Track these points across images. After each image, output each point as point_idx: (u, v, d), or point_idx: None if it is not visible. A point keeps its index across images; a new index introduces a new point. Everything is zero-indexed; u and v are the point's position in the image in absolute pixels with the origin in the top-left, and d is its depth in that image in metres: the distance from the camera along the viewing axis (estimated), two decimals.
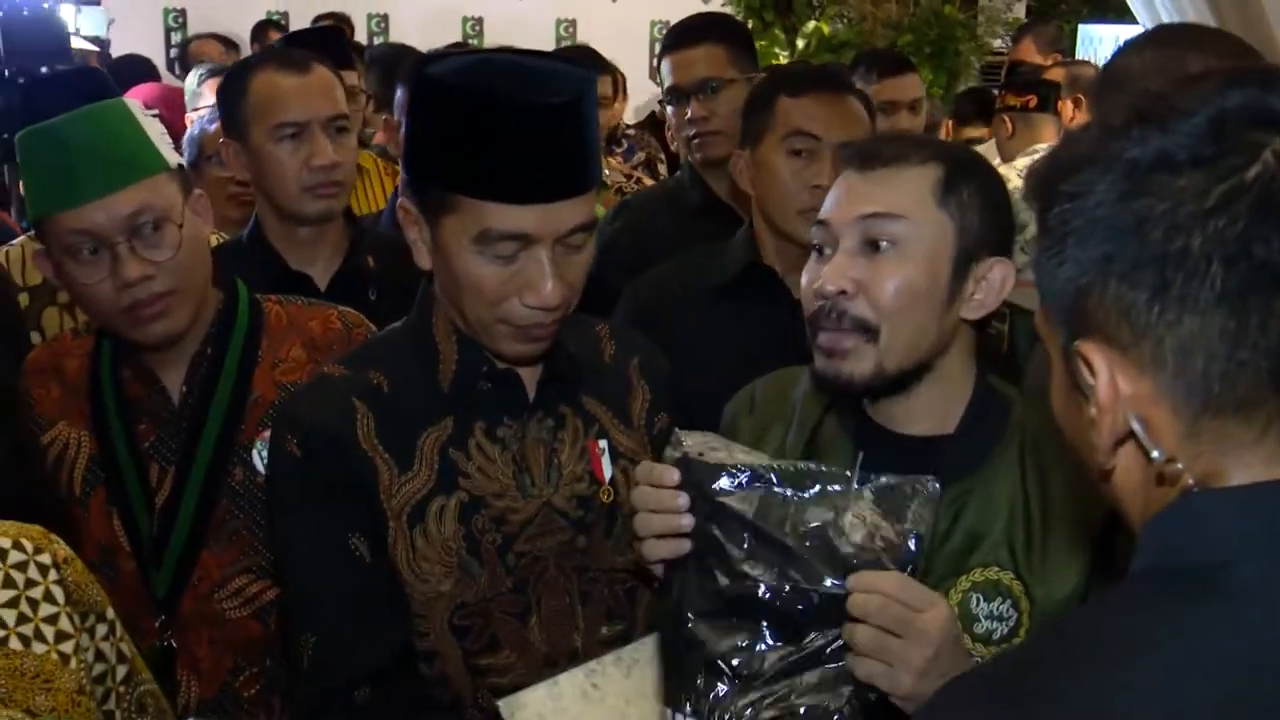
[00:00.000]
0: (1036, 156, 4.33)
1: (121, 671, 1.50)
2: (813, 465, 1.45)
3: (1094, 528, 1.53)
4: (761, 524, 1.39)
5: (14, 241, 2.70)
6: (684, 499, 1.41)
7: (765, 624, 1.41)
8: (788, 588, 1.39)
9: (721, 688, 1.42)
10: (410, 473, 1.62)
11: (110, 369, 2.00)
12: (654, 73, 8.67)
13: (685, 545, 1.42)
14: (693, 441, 1.48)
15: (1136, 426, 0.93)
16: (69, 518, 1.96)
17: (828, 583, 1.37)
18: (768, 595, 1.39)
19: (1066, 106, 4.58)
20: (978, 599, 1.55)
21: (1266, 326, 0.88)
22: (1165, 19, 3.27)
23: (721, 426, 1.81)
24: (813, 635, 1.40)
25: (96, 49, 5.25)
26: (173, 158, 1.95)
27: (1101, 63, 5.02)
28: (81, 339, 2.07)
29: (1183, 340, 0.90)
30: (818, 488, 1.40)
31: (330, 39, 3.60)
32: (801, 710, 1.40)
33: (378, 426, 1.63)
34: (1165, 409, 0.92)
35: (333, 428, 1.62)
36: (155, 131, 1.93)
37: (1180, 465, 0.91)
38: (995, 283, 1.60)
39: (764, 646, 1.41)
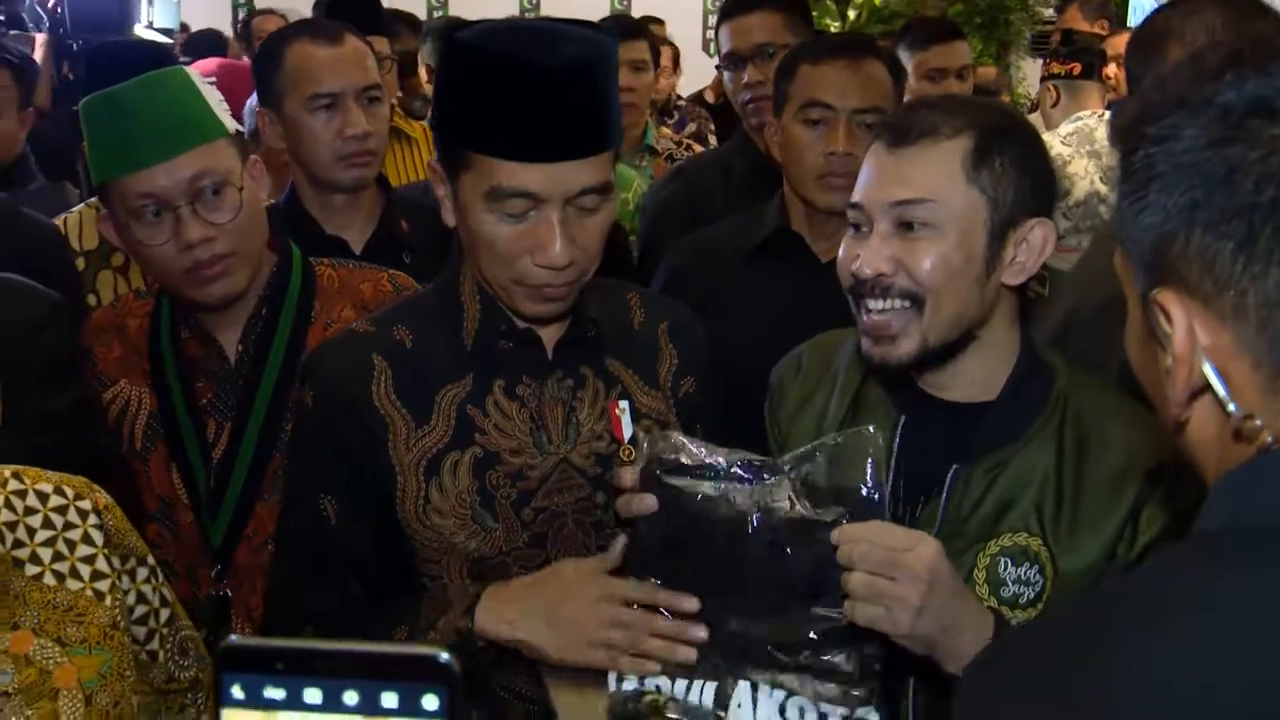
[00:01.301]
0: (1081, 123, 4.28)
1: (164, 615, 1.52)
2: (756, 457, 1.49)
3: (1124, 505, 1.52)
4: (724, 504, 1.44)
5: (72, 209, 2.72)
6: (651, 500, 1.47)
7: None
8: (758, 563, 1.43)
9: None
10: (427, 426, 1.62)
11: (170, 329, 2.02)
12: (706, 45, 8.64)
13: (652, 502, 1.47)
14: (667, 445, 1.50)
15: (1214, 379, 0.89)
16: (130, 471, 1.99)
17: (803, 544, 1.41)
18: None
19: (1114, 71, 4.48)
20: (1005, 563, 1.53)
21: None
22: None
23: (770, 389, 1.81)
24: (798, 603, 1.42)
25: (169, 40, 5.28)
26: (231, 124, 1.95)
27: None
28: (142, 300, 2.08)
29: (1268, 294, 0.85)
30: (767, 475, 1.44)
31: (363, 3, 3.60)
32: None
33: (396, 382, 1.63)
34: (1246, 364, 0.88)
35: (344, 383, 1.63)
36: (214, 99, 1.93)
37: (1259, 422, 0.87)
38: (1036, 244, 1.57)
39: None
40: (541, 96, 1.47)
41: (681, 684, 1.46)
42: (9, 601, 1.39)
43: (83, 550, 1.45)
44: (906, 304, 1.54)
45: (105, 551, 1.47)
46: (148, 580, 1.51)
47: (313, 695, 0.56)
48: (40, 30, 4.34)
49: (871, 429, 1.44)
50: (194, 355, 2.01)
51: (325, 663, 0.56)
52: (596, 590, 1.50)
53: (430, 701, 0.55)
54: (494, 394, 1.64)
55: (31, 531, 1.43)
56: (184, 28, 5.69)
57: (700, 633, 1.45)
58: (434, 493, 1.61)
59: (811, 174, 2.37)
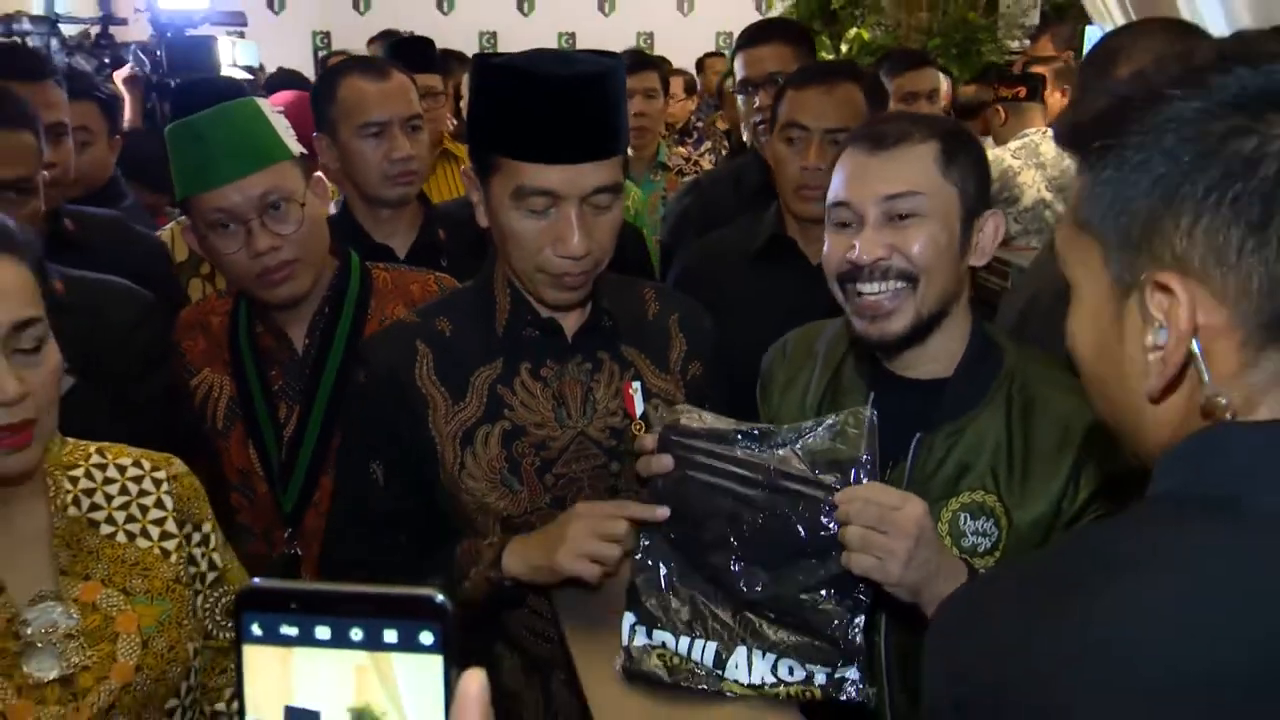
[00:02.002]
0: (1028, 139, 4.28)
1: (210, 577, 1.52)
2: (761, 426, 1.48)
3: (1066, 465, 1.51)
4: (735, 466, 1.44)
5: (165, 227, 2.74)
6: (668, 460, 1.46)
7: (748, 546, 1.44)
8: (761, 518, 1.42)
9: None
10: (463, 403, 1.63)
11: (247, 324, 2.03)
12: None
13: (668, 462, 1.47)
14: (683, 414, 1.50)
15: (1199, 357, 0.83)
16: (213, 448, 2.01)
17: (802, 506, 1.40)
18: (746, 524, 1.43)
19: (1054, 96, 4.50)
20: (965, 517, 1.52)
21: None
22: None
23: (761, 372, 1.81)
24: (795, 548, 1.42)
25: (250, 77, 5.30)
26: (295, 148, 1.95)
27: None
28: (223, 300, 2.10)
29: (1274, 276, 0.79)
30: (772, 443, 1.44)
31: (419, 45, 3.64)
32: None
33: (436, 365, 1.64)
34: (1234, 341, 0.82)
35: (391, 366, 1.64)
36: (281, 126, 1.94)
37: (1224, 400, 0.82)
38: (990, 231, 1.59)
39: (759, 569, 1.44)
40: (558, 106, 1.48)
41: (685, 640, 1.45)
42: (83, 556, 1.41)
43: (154, 514, 1.48)
44: (902, 284, 1.53)
45: (174, 515, 1.50)
46: (199, 545, 1.52)
47: (323, 632, 0.55)
48: (140, 70, 4.38)
49: (868, 408, 1.44)
50: (267, 347, 2.02)
51: (334, 603, 0.56)
52: (586, 512, 1.50)
53: (426, 637, 0.55)
54: (521, 375, 1.64)
55: (109, 498, 1.46)
56: (260, 68, 5.70)
57: (661, 511, 1.45)
58: (468, 460, 1.62)
59: (790, 186, 2.37)
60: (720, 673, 1.43)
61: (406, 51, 3.53)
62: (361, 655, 0.55)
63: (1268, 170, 0.78)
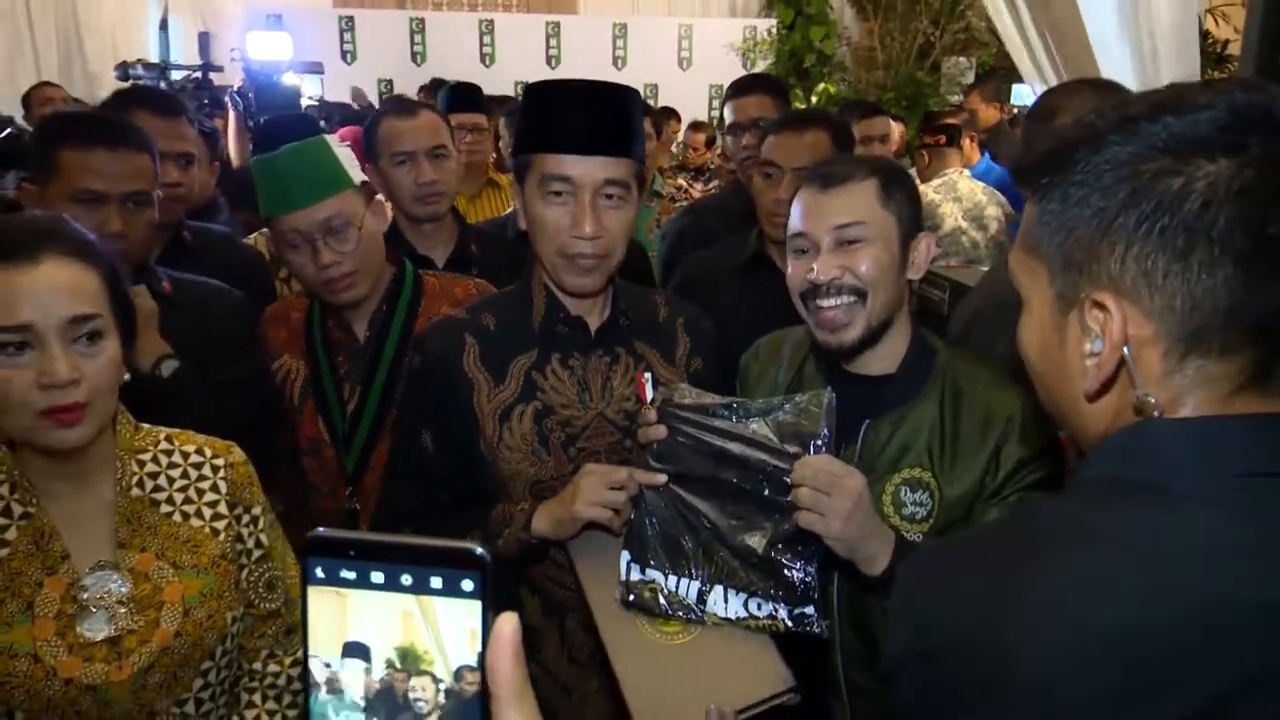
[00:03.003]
0: (947, 177, 4.35)
1: (256, 554, 1.48)
2: (741, 400, 1.48)
3: (989, 447, 1.50)
4: (716, 435, 1.44)
5: (252, 236, 2.74)
6: (662, 429, 1.47)
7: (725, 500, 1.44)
8: (736, 477, 1.42)
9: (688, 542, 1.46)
10: (502, 386, 1.61)
11: (320, 319, 2.02)
12: (711, 121, 8.59)
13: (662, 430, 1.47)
14: (676, 390, 1.50)
15: (1130, 363, 0.82)
16: (291, 421, 2.00)
17: (770, 470, 1.41)
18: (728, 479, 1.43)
19: (967, 143, 4.62)
20: (905, 490, 1.51)
21: (1265, 289, 0.77)
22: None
23: (739, 370, 1.80)
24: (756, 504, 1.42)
25: (316, 103, 5.30)
26: (358, 176, 1.94)
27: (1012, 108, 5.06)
28: (301, 298, 2.09)
29: (1195, 296, 0.78)
30: (750, 416, 1.44)
31: (468, 89, 3.63)
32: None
33: (481, 353, 1.62)
34: (1158, 350, 0.81)
35: (443, 354, 1.63)
36: (345, 157, 1.93)
37: (1153, 400, 0.81)
38: (923, 250, 1.58)
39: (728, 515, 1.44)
40: (575, 106, 1.50)
41: (673, 579, 1.45)
42: (142, 531, 1.38)
43: (209, 497, 1.44)
44: (853, 299, 1.52)
45: (227, 498, 1.45)
46: (248, 525, 1.47)
47: (377, 577, 0.54)
48: (236, 109, 4.37)
49: (829, 391, 1.43)
50: (336, 338, 2.01)
51: (387, 551, 0.54)
52: (594, 469, 1.49)
53: (467, 584, 0.53)
54: (552, 364, 1.63)
55: (171, 480, 1.43)
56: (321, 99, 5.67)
57: (660, 477, 1.46)
58: (505, 434, 1.60)
59: (766, 214, 2.36)
60: (703, 607, 1.43)
61: (458, 94, 3.54)
62: (409, 599, 0.54)
63: (1191, 206, 0.77)
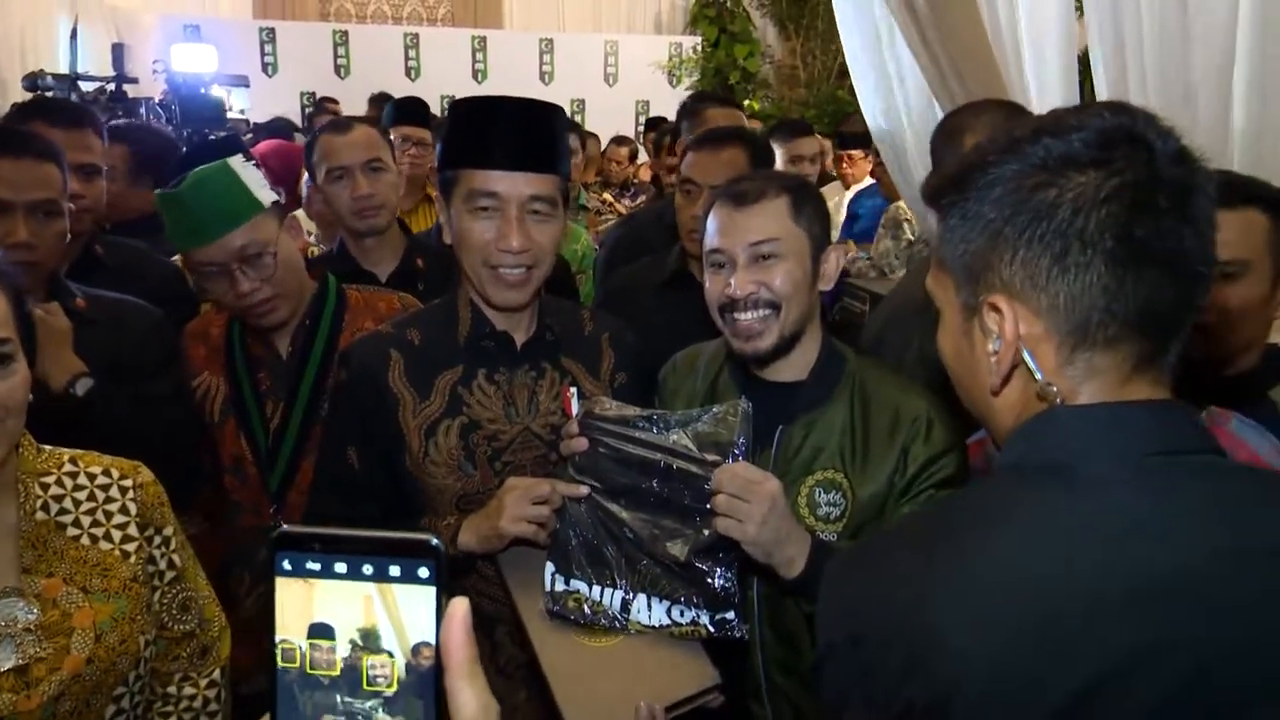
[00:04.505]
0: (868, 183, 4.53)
1: (169, 576, 1.44)
2: (660, 412, 1.51)
3: (896, 448, 1.54)
4: (637, 446, 1.47)
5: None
6: (584, 441, 1.50)
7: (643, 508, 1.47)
8: (657, 487, 1.45)
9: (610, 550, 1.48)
10: (428, 401, 1.61)
11: (240, 335, 2.00)
12: (637, 137, 8.67)
13: (584, 443, 1.50)
14: (598, 403, 1.53)
15: (1027, 357, 0.89)
16: (212, 438, 1.98)
17: (690, 479, 1.44)
18: (647, 485, 1.46)
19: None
20: (819, 491, 1.55)
21: (1136, 287, 0.84)
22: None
23: (658, 383, 1.81)
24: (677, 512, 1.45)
25: (245, 118, 5.22)
26: (268, 197, 1.91)
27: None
28: (221, 314, 2.06)
29: (1074, 294, 0.86)
30: (669, 427, 1.47)
31: (415, 104, 3.68)
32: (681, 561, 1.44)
33: (406, 369, 1.62)
34: (1051, 345, 0.88)
35: (367, 369, 1.63)
36: (253, 179, 1.89)
37: (1055, 388, 0.88)
38: (834, 262, 1.63)
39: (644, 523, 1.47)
40: (503, 123, 1.52)
41: (597, 589, 1.46)
42: (48, 556, 1.34)
43: (118, 519, 1.40)
44: (768, 311, 1.56)
45: (137, 520, 1.41)
46: (159, 547, 1.43)
47: (340, 567, 0.57)
48: (157, 120, 4.30)
49: (744, 401, 1.47)
50: (258, 354, 1.99)
51: (349, 544, 0.57)
52: (518, 484, 1.50)
53: (423, 571, 0.57)
54: (477, 379, 1.63)
55: (77, 503, 1.38)
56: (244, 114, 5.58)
57: (582, 489, 1.48)
58: (431, 449, 1.60)
59: (685, 230, 2.39)
60: (626, 615, 1.45)
61: (403, 108, 3.61)
62: (370, 586, 0.57)
63: (1064, 214, 0.85)
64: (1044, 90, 2.87)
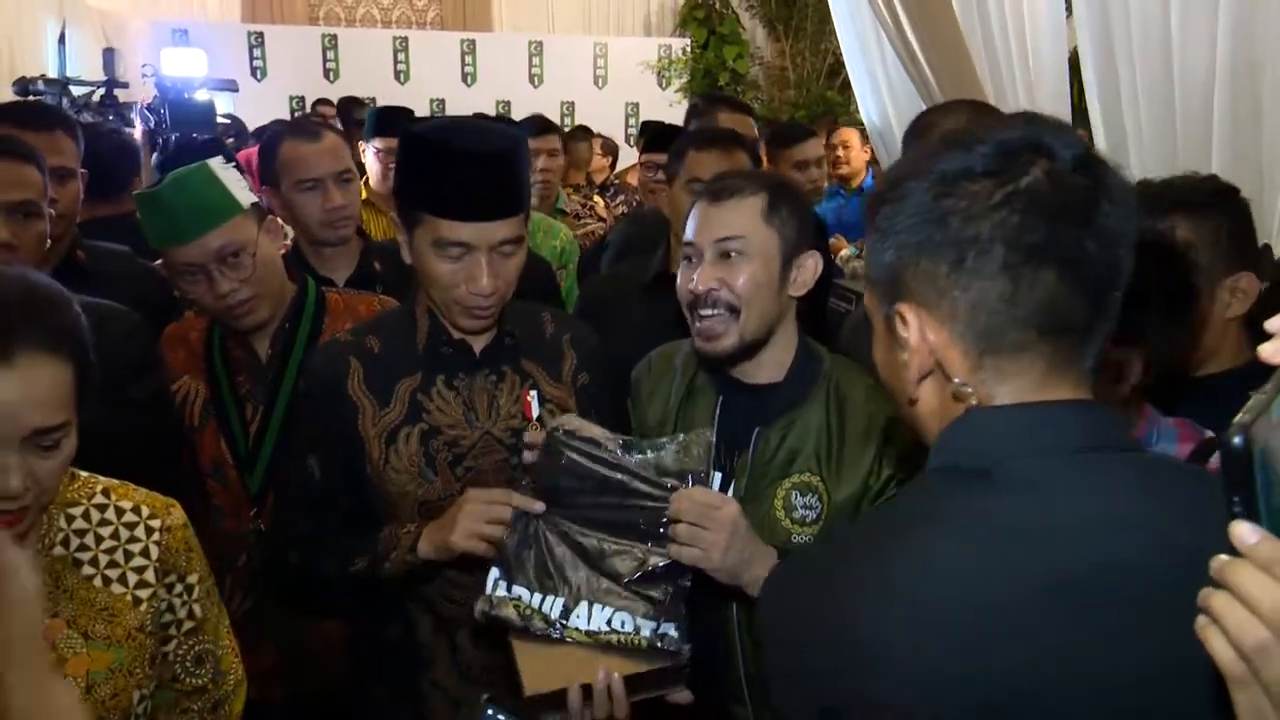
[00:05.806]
0: None
1: (187, 626, 1.35)
2: (626, 438, 1.50)
3: (871, 451, 1.55)
4: (599, 464, 1.45)
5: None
6: (547, 457, 1.47)
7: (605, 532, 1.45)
8: (615, 505, 1.44)
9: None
10: (388, 409, 1.60)
11: (219, 339, 2.00)
12: (628, 139, 8.67)
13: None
14: (570, 421, 1.51)
15: (940, 364, 0.91)
16: (191, 442, 1.97)
17: (648, 500, 1.43)
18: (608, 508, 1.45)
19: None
20: (795, 494, 1.55)
21: (1032, 291, 0.86)
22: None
23: (631, 382, 1.79)
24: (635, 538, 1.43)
25: (229, 121, 5.21)
26: (247, 199, 1.90)
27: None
28: (200, 318, 2.06)
29: (972, 301, 0.87)
30: (632, 451, 1.46)
31: (398, 113, 3.60)
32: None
33: (366, 377, 1.62)
34: (958, 351, 0.90)
35: (326, 377, 1.62)
36: (234, 181, 1.89)
37: (969, 389, 0.90)
38: (809, 268, 1.61)
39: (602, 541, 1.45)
40: (471, 175, 1.48)
41: (539, 596, 1.43)
42: (57, 594, 1.25)
43: (137, 561, 1.31)
44: (726, 313, 1.56)
45: (156, 565, 1.32)
46: (180, 595, 1.34)
47: None
48: (146, 125, 4.28)
49: (708, 432, 1.47)
50: (237, 357, 1.99)
51: None
52: (475, 498, 1.49)
53: None
54: (437, 385, 1.62)
55: (99, 540, 1.30)
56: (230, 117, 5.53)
57: (539, 505, 1.45)
58: (392, 456, 1.59)
59: (682, 228, 2.37)
60: (564, 621, 1.41)
61: (385, 118, 3.51)
62: None
63: (956, 223, 0.87)
64: (1034, 87, 2.88)
